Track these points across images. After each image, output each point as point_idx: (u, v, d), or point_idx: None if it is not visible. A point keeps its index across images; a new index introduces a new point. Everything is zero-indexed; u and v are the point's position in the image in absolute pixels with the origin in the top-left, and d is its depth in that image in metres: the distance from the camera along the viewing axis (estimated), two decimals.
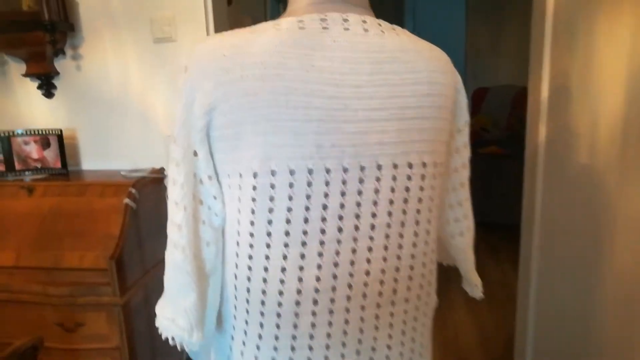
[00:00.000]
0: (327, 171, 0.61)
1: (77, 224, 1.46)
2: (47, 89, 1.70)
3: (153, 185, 1.62)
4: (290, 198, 0.61)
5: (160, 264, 1.61)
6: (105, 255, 1.37)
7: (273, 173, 0.60)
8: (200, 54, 0.62)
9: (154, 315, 0.72)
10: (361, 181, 0.63)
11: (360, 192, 0.63)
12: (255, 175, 0.61)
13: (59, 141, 1.66)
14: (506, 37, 4.37)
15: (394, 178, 0.64)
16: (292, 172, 0.60)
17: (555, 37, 1.42)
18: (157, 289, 1.55)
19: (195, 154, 0.64)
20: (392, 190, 0.64)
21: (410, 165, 0.65)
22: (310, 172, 0.61)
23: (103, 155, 1.76)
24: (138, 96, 1.70)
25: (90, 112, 1.74)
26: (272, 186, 0.61)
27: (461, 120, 0.74)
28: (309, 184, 0.61)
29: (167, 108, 1.70)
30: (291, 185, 0.61)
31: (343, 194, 0.62)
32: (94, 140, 1.76)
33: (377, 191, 0.64)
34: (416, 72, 0.64)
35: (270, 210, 0.61)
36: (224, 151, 0.63)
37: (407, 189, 0.65)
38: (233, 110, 0.59)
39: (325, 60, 0.60)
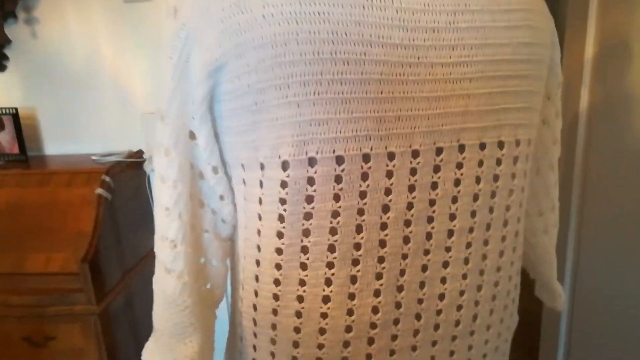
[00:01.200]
0: (391, 157, 0.42)
1: (41, 220, 1.25)
2: None
3: (130, 171, 1.41)
4: (337, 198, 0.42)
5: (143, 260, 1.44)
6: (76, 256, 1.17)
7: (311, 162, 0.41)
8: None
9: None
10: (437, 170, 0.44)
11: (434, 186, 0.44)
12: (285, 166, 0.42)
13: (15, 122, 1.42)
14: None
15: (480, 163, 0.46)
16: (339, 160, 0.41)
17: None
18: (140, 292, 1.39)
19: (192, 136, 0.45)
20: (478, 180, 0.46)
21: (501, 145, 0.47)
22: (366, 158, 0.42)
23: (69, 138, 1.53)
24: (108, 66, 1.47)
25: (51, 87, 1.50)
26: (310, 181, 0.42)
27: (555, 81, 0.55)
28: (364, 177, 0.42)
29: (143, 79, 1.47)
30: (338, 180, 0.42)
31: (412, 189, 0.44)
32: (58, 120, 1.53)
33: (457, 183, 0.45)
34: (510, 12, 0.45)
35: (307, 217, 0.43)
36: (235, 132, 0.43)
37: (496, 178, 0.47)
38: (250, 69, 0.40)
39: None
